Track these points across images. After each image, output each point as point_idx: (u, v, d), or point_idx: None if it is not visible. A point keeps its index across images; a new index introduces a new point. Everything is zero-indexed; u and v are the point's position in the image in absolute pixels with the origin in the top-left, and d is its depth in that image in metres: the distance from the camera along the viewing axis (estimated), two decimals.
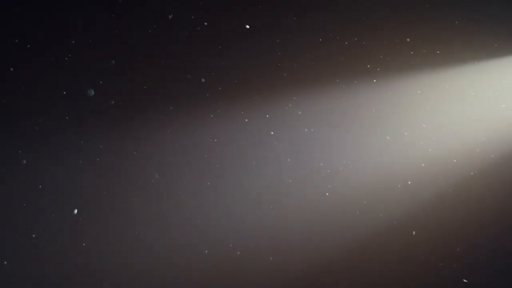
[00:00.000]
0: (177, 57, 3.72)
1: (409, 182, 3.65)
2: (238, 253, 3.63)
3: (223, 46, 3.72)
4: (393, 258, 3.65)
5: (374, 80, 3.68)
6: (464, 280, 3.56)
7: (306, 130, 3.73)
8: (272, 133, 3.73)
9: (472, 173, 3.61)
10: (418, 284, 3.64)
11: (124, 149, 3.68)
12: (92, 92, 2.80)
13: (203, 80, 3.71)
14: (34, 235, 3.53)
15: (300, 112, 3.70)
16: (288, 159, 3.73)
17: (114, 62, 3.51)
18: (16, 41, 3.58)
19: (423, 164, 3.65)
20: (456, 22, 3.67)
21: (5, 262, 3.48)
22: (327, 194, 3.66)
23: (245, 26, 3.30)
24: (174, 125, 3.70)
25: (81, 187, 3.62)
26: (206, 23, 3.71)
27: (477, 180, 3.62)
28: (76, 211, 3.41)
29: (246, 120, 3.69)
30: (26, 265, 3.52)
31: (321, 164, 3.70)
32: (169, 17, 3.54)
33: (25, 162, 3.57)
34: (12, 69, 3.56)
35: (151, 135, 3.70)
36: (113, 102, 3.62)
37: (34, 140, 3.61)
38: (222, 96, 3.72)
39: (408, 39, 3.71)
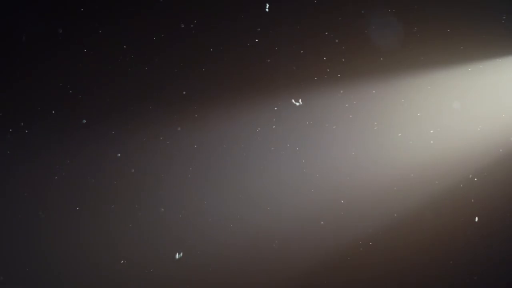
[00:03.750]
0: (176, 57, 3.74)
1: (409, 183, 3.64)
2: (238, 253, 3.64)
3: (222, 46, 3.74)
4: (393, 258, 3.64)
5: (373, 81, 3.68)
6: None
7: (306, 131, 3.74)
8: (272, 133, 3.74)
9: (472, 173, 3.59)
10: (418, 284, 3.63)
11: (125, 149, 3.70)
12: None
13: (204, 80, 3.73)
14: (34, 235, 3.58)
15: (294, 115, 3.71)
16: (288, 160, 3.74)
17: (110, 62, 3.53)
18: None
19: (423, 165, 3.64)
20: (458, 22, 3.65)
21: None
22: (326, 194, 3.66)
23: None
24: (174, 126, 3.72)
25: (81, 187, 3.65)
26: (205, 24, 3.73)
27: (477, 180, 3.60)
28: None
29: (245, 120, 3.71)
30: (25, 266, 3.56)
31: (321, 165, 3.71)
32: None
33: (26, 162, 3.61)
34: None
35: (152, 136, 3.72)
36: (112, 103, 3.66)
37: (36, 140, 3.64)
38: (222, 97, 3.74)
39: (408, 39, 3.70)
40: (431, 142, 3.65)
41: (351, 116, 3.70)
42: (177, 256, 3.51)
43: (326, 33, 3.70)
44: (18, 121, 3.62)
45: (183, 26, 3.67)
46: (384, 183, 3.66)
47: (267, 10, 3.43)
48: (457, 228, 3.60)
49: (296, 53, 3.73)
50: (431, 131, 3.65)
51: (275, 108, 3.70)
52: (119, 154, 3.67)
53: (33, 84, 3.65)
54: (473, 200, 3.59)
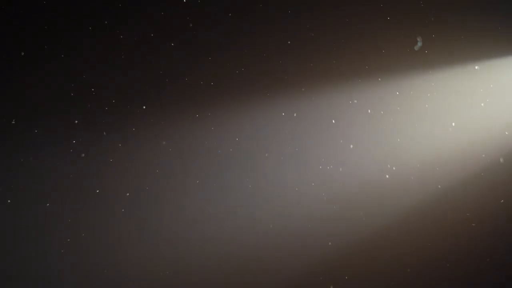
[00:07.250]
0: (176, 58, 3.75)
1: (409, 183, 3.65)
2: (239, 253, 3.65)
3: (222, 47, 3.74)
4: (394, 258, 3.65)
5: (372, 80, 3.69)
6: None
7: (305, 131, 3.74)
8: (271, 134, 3.74)
9: (472, 174, 3.60)
10: (419, 284, 3.64)
11: (126, 149, 3.70)
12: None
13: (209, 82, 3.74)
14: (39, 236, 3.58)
15: (295, 114, 3.71)
16: (288, 160, 3.74)
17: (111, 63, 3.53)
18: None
19: (422, 166, 3.65)
20: (458, 21, 3.66)
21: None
22: (324, 194, 3.67)
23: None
24: (175, 127, 3.72)
25: (82, 187, 3.65)
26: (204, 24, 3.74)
27: (476, 181, 3.61)
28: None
29: (244, 121, 3.71)
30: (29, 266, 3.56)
31: (320, 165, 3.71)
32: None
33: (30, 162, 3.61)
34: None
35: (153, 136, 3.72)
36: (113, 101, 3.66)
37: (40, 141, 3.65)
38: (223, 97, 3.74)
39: (408, 39, 3.71)
40: (433, 141, 3.65)
41: (352, 115, 3.70)
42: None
43: (328, 33, 3.71)
44: (18, 121, 3.62)
45: (187, 26, 3.68)
46: (384, 183, 3.67)
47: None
48: (458, 227, 3.61)
49: (297, 52, 3.74)
50: (432, 131, 3.66)
51: (276, 108, 3.71)
52: (119, 155, 3.67)
53: (33, 85, 3.65)
54: (473, 200, 3.60)
